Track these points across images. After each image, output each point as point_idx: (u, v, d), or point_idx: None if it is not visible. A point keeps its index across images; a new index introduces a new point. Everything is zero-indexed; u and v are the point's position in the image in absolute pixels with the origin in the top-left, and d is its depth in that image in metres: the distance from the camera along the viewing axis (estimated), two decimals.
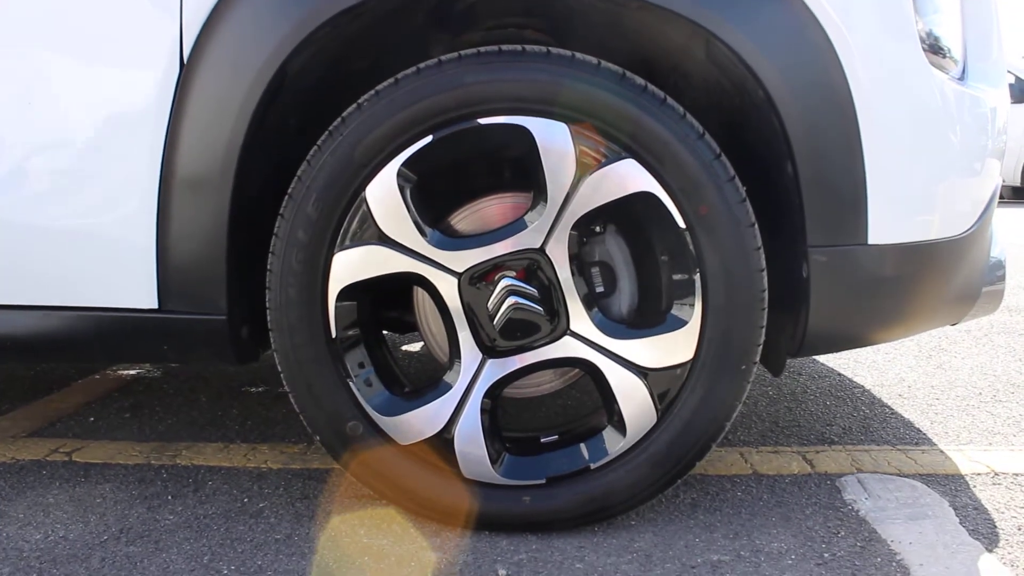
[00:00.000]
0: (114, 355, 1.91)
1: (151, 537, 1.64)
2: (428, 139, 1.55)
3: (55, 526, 1.70)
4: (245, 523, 1.70)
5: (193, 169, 1.60)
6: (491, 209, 1.65)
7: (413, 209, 1.57)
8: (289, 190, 1.59)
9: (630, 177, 1.53)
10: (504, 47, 1.56)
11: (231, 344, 1.68)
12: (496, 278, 1.59)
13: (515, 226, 1.58)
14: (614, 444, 1.60)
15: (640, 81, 1.54)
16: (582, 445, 1.63)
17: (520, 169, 1.60)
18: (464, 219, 1.65)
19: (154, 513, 1.75)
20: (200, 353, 1.71)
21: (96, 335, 1.71)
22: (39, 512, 1.76)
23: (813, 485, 1.83)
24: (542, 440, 1.68)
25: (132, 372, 2.84)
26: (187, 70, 1.58)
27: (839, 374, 2.72)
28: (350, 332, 1.63)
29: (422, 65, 1.56)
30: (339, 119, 1.58)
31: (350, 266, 1.59)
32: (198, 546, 1.61)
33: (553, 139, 1.53)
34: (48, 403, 2.51)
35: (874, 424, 2.23)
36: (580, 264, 1.61)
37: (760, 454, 2.02)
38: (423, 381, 1.68)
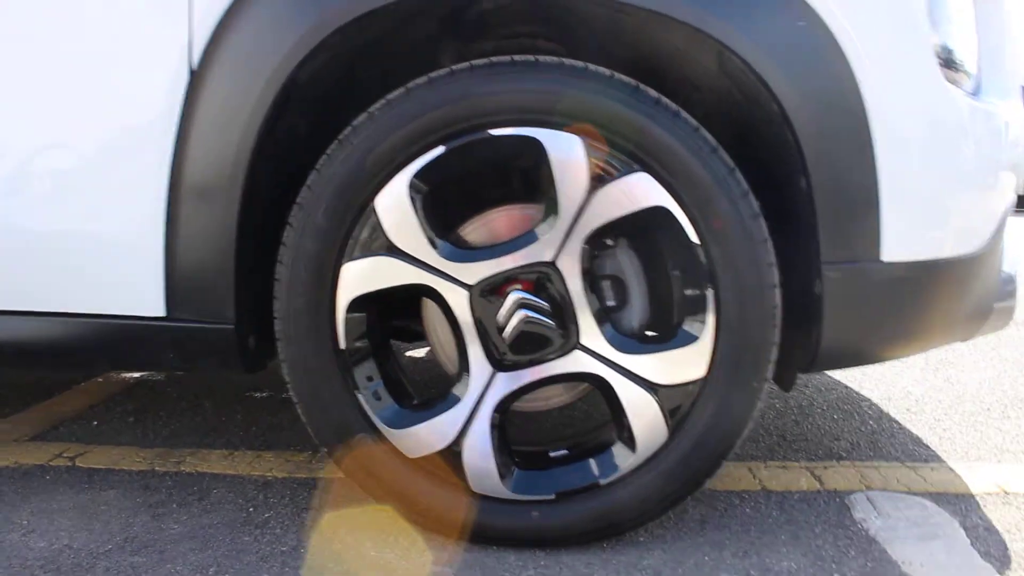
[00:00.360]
0: (119, 363, 1.90)
1: (156, 547, 1.63)
2: (439, 150, 1.53)
3: (59, 534, 1.69)
4: (251, 534, 1.69)
5: (202, 177, 1.59)
6: (502, 220, 1.63)
7: (424, 220, 1.55)
8: (298, 199, 1.58)
9: (643, 191, 1.52)
10: (516, 57, 1.54)
11: (238, 353, 1.67)
12: (507, 291, 1.57)
13: (526, 238, 1.56)
14: (624, 460, 1.58)
15: (653, 93, 1.53)
16: (592, 460, 1.62)
17: (532, 180, 1.59)
18: (475, 230, 1.64)
19: (159, 522, 1.74)
20: (207, 361, 1.70)
21: (101, 342, 1.69)
22: (43, 519, 1.75)
23: (822, 502, 1.82)
24: (551, 455, 1.67)
25: (136, 376, 2.83)
26: (196, 77, 1.57)
27: (846, 387, 2.70)
28: (358, 343, 1.62)
29: (433, 75, 1.55)
30: (349, 128, 1.56)
31: (359, 277, 1.57)
32: (203, 557, 1.59)
33: (565, 151, 1.51)
34: (51, 406, 2.50)
35: (882, 439, 2.21)
36: (591, 277, 1.59)
37: (768, 469, 2.00)
38: (431, 392, 1.66)
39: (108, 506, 1.81)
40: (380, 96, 1.59)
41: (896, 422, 2.36)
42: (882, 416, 2.41)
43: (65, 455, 2.10)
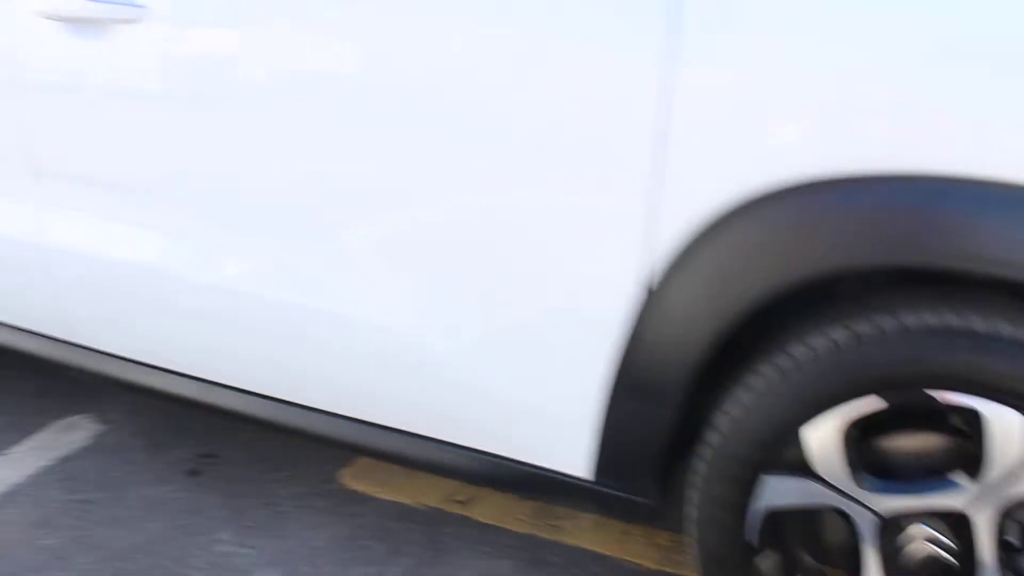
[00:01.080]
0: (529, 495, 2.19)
1: None
2: (872, 398, 1.60)
3: None
4: None
5: (644, 378, 1.75)
6: (923, 459, 1.69)
7: (849, 455, 1.65)
8: (725, 407, 1.71)
9: None
10: (976, 327, 1.55)
11: (646, 515, 1.89)
12: (915, 523, 1.67)
13: (944, 483, 1.63)
14: None
15: None
16: None
17: (963, 432, 1.62)
18: (893, 463, 1.71)
19: None
20: (612, 513, 1.94)
21: (523, 482, 1.97)
22: None
23: None
24: None
25: None
26: (652, 295, 1.69)
27: None
28: (762, 543, 1.77)
29: (886, 328, 1.59)
30: (788, 357, 1.65)
31: (775, 491, 1.71)
32: None
33: (1003, 426, 1.55)
34: None
35: None
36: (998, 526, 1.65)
37: None
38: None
39: None
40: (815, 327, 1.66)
41: None
42: None
43: (455, 499, 2.41)
